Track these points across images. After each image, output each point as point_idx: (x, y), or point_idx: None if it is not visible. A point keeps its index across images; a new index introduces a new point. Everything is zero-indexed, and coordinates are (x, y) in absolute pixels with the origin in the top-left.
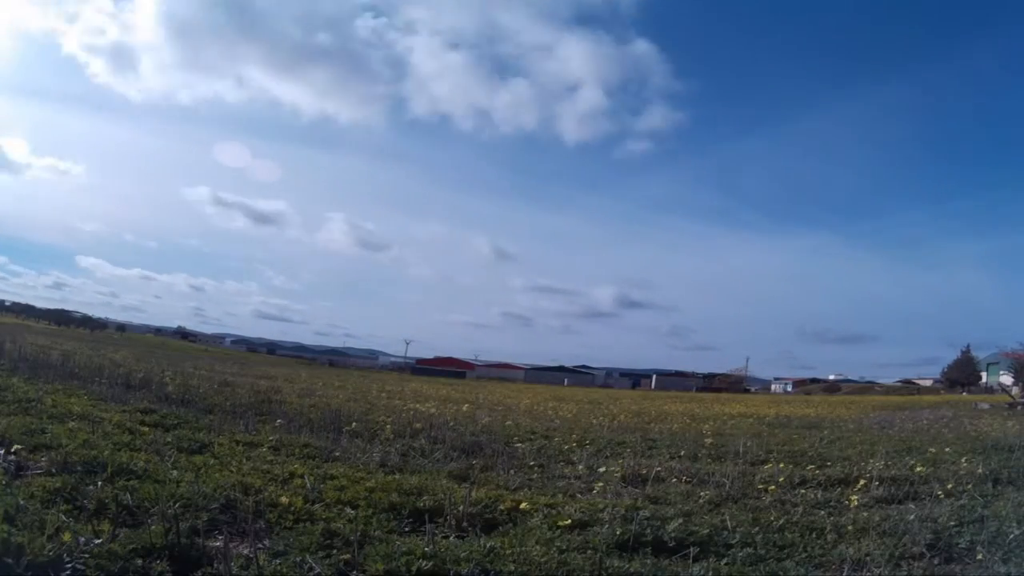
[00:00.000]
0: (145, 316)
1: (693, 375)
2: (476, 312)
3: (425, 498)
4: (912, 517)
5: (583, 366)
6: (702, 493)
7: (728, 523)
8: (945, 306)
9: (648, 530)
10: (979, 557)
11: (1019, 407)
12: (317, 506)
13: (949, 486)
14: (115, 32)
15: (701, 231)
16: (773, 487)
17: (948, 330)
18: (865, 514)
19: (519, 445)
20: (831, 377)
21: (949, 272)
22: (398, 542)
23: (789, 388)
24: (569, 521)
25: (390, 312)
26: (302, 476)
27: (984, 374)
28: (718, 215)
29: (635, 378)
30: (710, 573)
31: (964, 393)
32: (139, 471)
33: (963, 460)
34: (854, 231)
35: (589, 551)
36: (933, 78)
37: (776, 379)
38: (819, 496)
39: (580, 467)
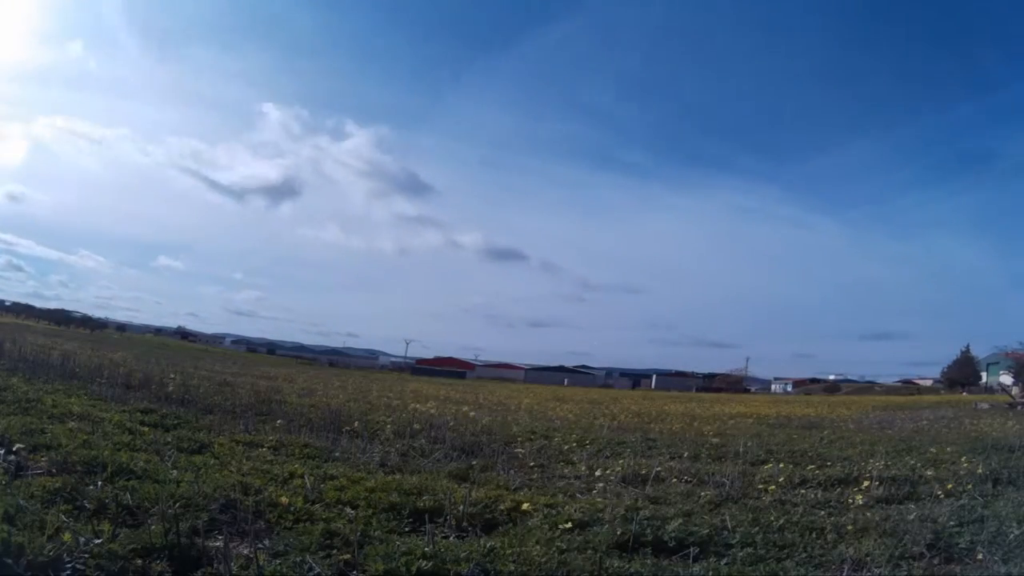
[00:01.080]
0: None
1: (693, 375)
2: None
3: (425, 498)
4: (912, 517)
5: (583, 366)
6: (702, 493)
7: (728, 523)
8: (931, 288)
9: (648, 530)
10: (979, 557)
11: (1019, 407)
12: (317, 506)
13: (949, 486)
14: None
15: (578, 179)
16: (773, 487)
17: (943, 322)
18: (867, 514)
19: (520, 451)
20: (831, 377)
21: (925, 242)
22: (398, 542)
23: (789, 388)
24: (569, 522)
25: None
26: (302, 476)
27: (984, 374)
28: (595, 157)
29: (635, 378)
30: (710, 573)
31: (964, 393)
32: (139, 471)
33: (963, 460)
34: (790, 180)
35: (589, 551)
36: None
37: (776, 379)
38: (819, 496)
39: (581, 467)
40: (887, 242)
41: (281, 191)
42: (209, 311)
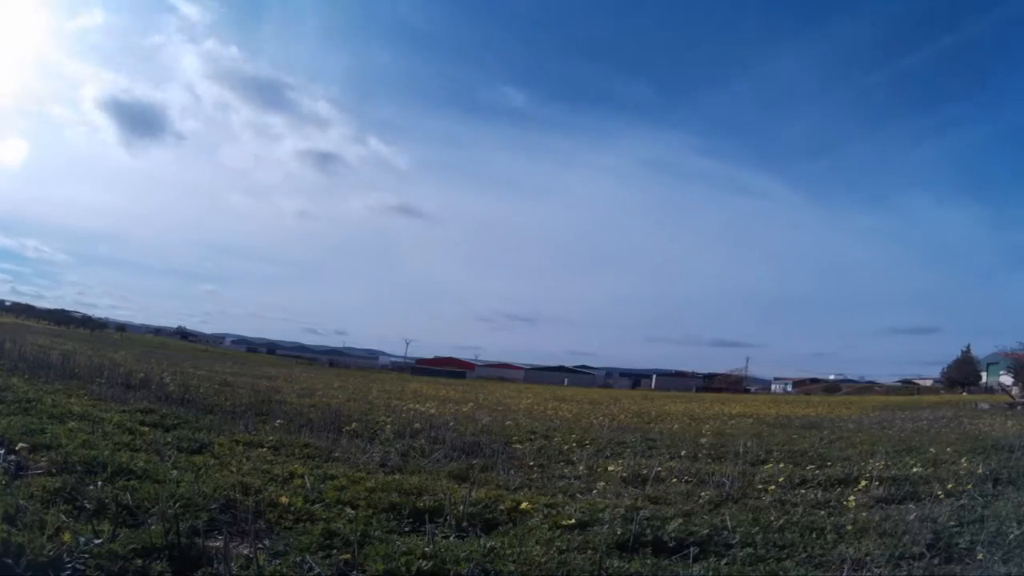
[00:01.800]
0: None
1: (693, 375)
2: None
3: (425, 498)
4: (912, 517)
5: (583, 366)
6: (702, 493)
7: (728, 523)
8: (924, 270)
9: (648, 530)
10: (979, 557)
11: (1019, 407)
12: (317, 506)
13: (949, 486)
14: None
15: (452, 132)
16: (773, 487)
17: (944, 312)
18: (867, 514)
19: (518, 446)
20: (831, 377)
21: (901, 210)
22: (398, 542)
23: (789, 388)
24: (569, 521)
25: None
26: (302, 476)
27: (984, 374)
28: (464, 101)
29: (635, 378)
30: (710, 573)
31: (964, 393)
32: (139, 471)
33: (963, 460)
34: (700, 120)
35: (589, 551)
36: None
37: (776, 379)
38: (819, 496)
39: (580, 467)
40: (858, 216)
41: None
42: (173, 307)
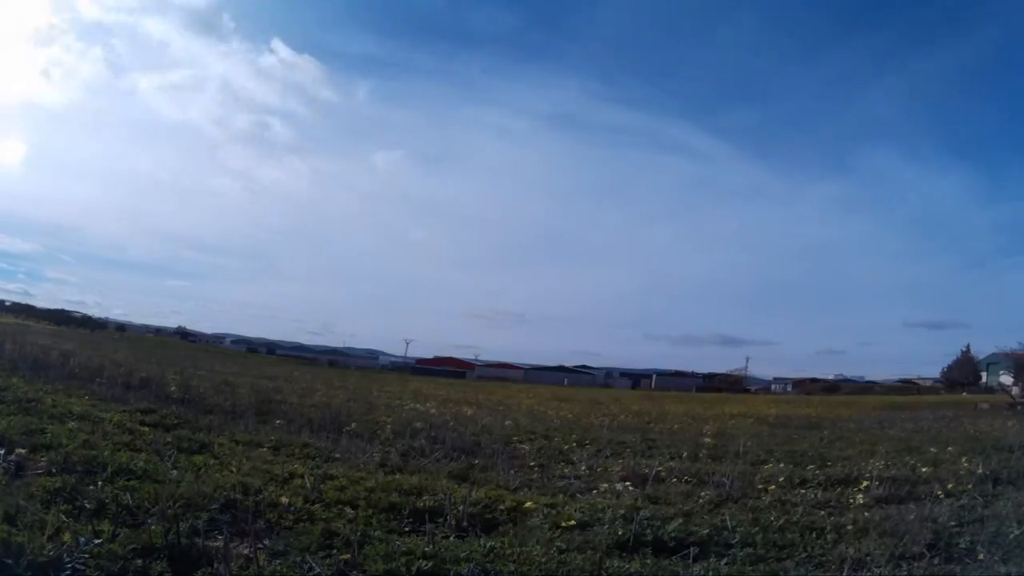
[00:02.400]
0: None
1: (693, 375)
2: None
3: (425, 498)
4: (912, 517)
5: (583, 366)
6: (702, 493)
7: (728, 523)
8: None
9: (648, 530)
10: (980, 557)
11: (1019, 407)
12: (317, 506)
13: (949, 486)
14: None
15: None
16: (773, 487)
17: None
18: (867, 514)
19: (519, 446)
20: (831, 377)
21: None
22: (398, 542)
23: (789, 388)
24: (569, 521)
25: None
26: (302, 476)
27: (984, 374)
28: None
29: (635, 378)
30: (710, 573)
31: (964, 393)
32: (139, 471)
33: (963, 460)
34: (598, 61)
35: (589, 551)
36: None
37: (776, 379)
38: (819, 496)
39: (581, 467)
40: (821, 183)
41: None
42: (156, 304)
